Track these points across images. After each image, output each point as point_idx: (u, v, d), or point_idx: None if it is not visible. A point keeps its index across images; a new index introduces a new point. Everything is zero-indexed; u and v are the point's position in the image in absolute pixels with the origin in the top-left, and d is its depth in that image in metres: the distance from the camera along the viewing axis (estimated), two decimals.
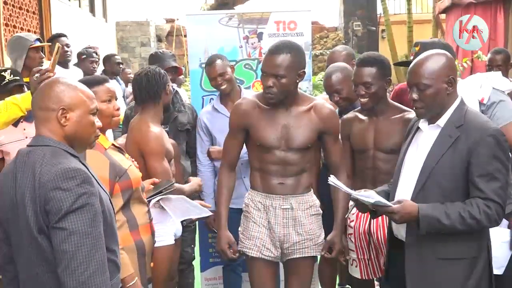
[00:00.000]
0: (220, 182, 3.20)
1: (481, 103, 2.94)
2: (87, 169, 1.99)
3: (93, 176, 1.99)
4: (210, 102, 4.26)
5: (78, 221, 1.83)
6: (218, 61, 3.81)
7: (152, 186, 3.04)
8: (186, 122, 3.91)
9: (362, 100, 3.14)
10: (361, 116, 3.26)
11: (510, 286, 2.88)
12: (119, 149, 2.76)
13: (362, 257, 3.28)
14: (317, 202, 3.14)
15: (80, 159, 2.01)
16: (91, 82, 2.65)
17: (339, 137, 3.15)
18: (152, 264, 2.86)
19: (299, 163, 2.99)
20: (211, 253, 4.28)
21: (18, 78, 3.74)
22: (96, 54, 6.15)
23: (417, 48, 3.28)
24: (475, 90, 2.96)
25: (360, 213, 3.21)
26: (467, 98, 2.84)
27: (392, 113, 3.16)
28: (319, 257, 4.18)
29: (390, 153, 3.08)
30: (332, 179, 2.55)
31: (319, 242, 3.10)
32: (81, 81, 2.70)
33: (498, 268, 2.79)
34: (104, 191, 2.06)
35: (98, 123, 2.10)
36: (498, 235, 2.85)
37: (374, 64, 3.09)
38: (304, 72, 2.94)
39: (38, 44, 4.19)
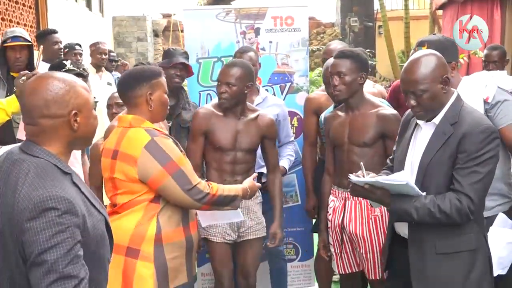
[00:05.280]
0: None
1: (485, 102, 2.93)
2: (79, 188, 1.78)
3: (84, 193, 1.78)
4: (207, 97, 4.25)
5: (55, 257, 1.61)
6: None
7: None
8: (189, 119, 3.89)
9: (335, 92, 3.22)
10: (339, 113, 3.36)
11: None
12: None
13: (338, 251, 3.34)
14: (259, 192, 3.52)
15: (72, 176, 1.78)
16: (150, 75, 2.69)
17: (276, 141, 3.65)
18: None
19: (248, 162, 3.50)
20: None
21: (75, 69, 3.82)
22: (80, 46, 5.99)
23: (424, 48, 3.26)
24: (480, 88, 2.96)
25: (336, 207, 3.29)
26: (471, 96, 2.84)
27: (367, 108, 3.23)
28: (315, 254, 4.19)
29: (363, 147, 3.18)
30: (351, 176, 2.53)
31: (264, 225, 3.58)
32: (139, 73, 2.71)
33: (503, 269, 2.79)
34: (99, 210, 1.85)
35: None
36: (503, 236, 2.83)
37: (350, 57, 3.21)
38: (252, 85, 3.44)
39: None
